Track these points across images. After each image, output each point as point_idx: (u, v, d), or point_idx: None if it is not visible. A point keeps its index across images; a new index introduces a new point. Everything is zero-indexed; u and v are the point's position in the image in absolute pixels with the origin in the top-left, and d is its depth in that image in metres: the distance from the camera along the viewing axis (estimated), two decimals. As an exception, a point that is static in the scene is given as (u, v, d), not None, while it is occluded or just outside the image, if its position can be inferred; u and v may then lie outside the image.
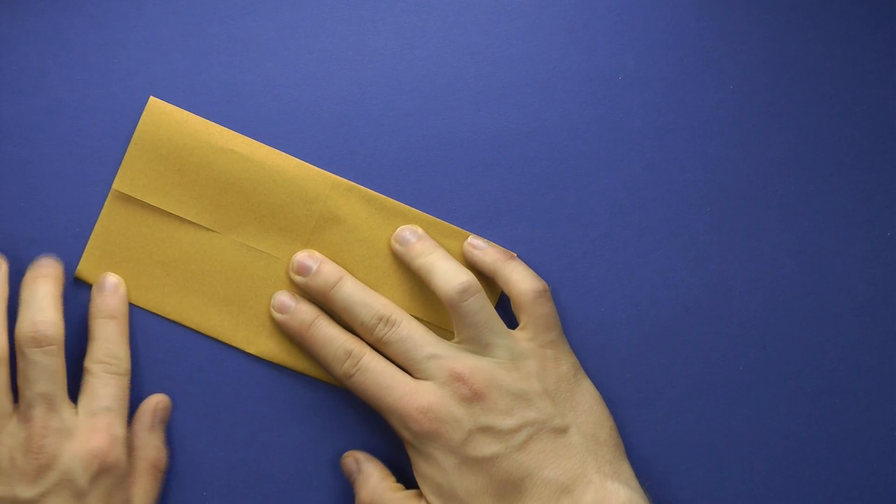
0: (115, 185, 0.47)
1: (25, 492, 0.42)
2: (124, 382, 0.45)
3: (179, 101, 0.49)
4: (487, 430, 0.43)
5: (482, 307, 0.45)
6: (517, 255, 0.48)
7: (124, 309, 0.47)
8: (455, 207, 0.49)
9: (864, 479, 0.47)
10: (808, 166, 0.49)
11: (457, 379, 0.43)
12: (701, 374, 0.48)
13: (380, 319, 0.45)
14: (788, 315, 0.48)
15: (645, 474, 0.47)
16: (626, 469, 0.44)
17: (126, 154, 0.48)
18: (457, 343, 0.45)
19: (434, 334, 0.45)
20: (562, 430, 0.44)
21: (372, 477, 0.45)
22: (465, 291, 0.45)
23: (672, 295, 0.49)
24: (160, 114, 0.48)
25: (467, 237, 0.48)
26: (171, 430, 0.48)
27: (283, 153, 0.48)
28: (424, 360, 0.44)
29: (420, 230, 0.48)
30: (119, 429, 0.44)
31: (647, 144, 0.49)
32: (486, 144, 0.49)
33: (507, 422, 0.43)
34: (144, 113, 0.48)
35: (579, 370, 0.46)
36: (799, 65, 0.50)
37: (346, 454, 0.46)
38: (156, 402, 0.47)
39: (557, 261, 0.49)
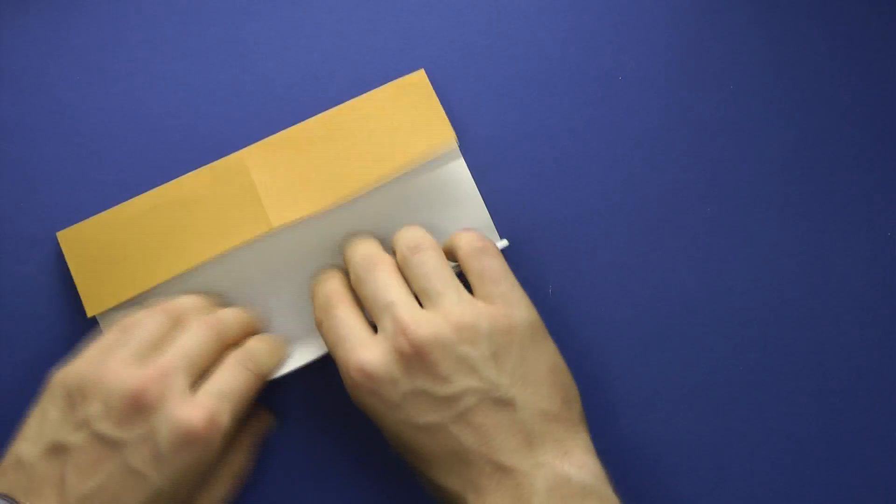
0: (89, 312, 0.46)
1: (102, 423, 0.41)
2: (254, 384, 0.44)
3: (179, 101, 0.49)
4: (424, 395, 0.41)
5: (431, 259, 0.44)
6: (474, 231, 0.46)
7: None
8: (455, 207, 0.49)
9: (864, 479, 0.47)
10: (808, 166, 0.49)
11: (401, 331, 0.41)
12: (701, 374, 0.48)
13: (364, 258, 0.44)
14: (788, 315, 0.48)
15: (645, 474, 0.47)
16: (580, 445, 0.41)
17: (77, 284, 0.47)
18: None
19: (405, 285, 0.44)
20: (507, 403, 0.40)
21: None
22: (415, 247, 0.44)
23: (672, 295, 0.49)
24: (74, 238, 0.47)
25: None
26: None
27: (188, 173, 0.47)
28: (383, 307, 0.43)
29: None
30: (223, 420, 0.41)
31: (647, 144, 0.49)
32: (486, 144, 0.49)
33: (444, 389, 0.40)
34: (62, 247, 0.47)
35: (537, 331, 0.43)
36: (799, 65, 0.50)
37: None
38: (258, 415, 0.46)
39: (557, 261, 0.49)
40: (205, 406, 0.41)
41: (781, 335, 0.48)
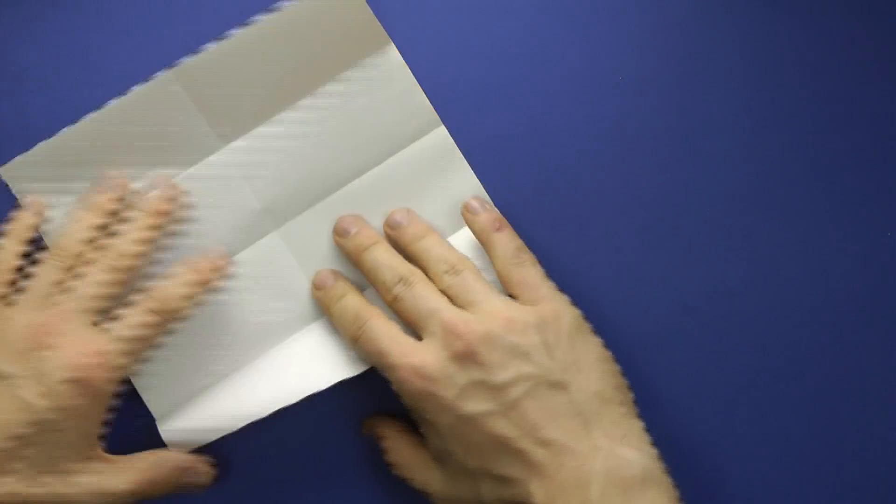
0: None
1: (6, 366, 0.41)
2: (160, 327, 0.44)
3: (179, 101, 0.49)
4: (480, 385, 0.41)
5: (470, 277, 0.44)
6: (504, 223, 0.47)
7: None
8: (455, 207, 0.49)
9: (865, 479, 0.47)
10: (808, 166, 0.49)
11: (451, 332, 0.42)
12: (701, 374, 0.48)
13: (399, 279, 0.45)
14: (788, 315, 0.48)
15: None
16: (636, 429, 0.42)
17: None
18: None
19: (442, 294, 0.45)
20: (562, 386, 0.41)
21: (396, 442, 0.46)
22: (452, 270, 0.45)
23: (672, 295, 0.49)
24: (19, 171, 0.47)
25: None
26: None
27: (121, 97, 0.47)
28: (426, 316, 0.43)
29: (409, 211, 0.47)
30: (117, 363, 0.42)
31: (647, 144, 0.49)
32: (486, 144, 0.49)
33: (500, 376, 0.41)
34: (8, 182, 0.47)
35: (582, 324, 0.44)
36: (799, 65, 0.50)
37: (366, 422, 0.47)
38: (190, 464, 0.45)
39: (558, 261, 0.49)
40: (101, 347, 0.42)
41: (781, 335, 0.48)
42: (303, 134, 0.48)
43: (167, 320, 0.44)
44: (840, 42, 0.50)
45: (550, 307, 0.44)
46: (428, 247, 0.46)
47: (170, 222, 0.46)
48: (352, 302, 0.46)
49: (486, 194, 0.48)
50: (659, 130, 0.49)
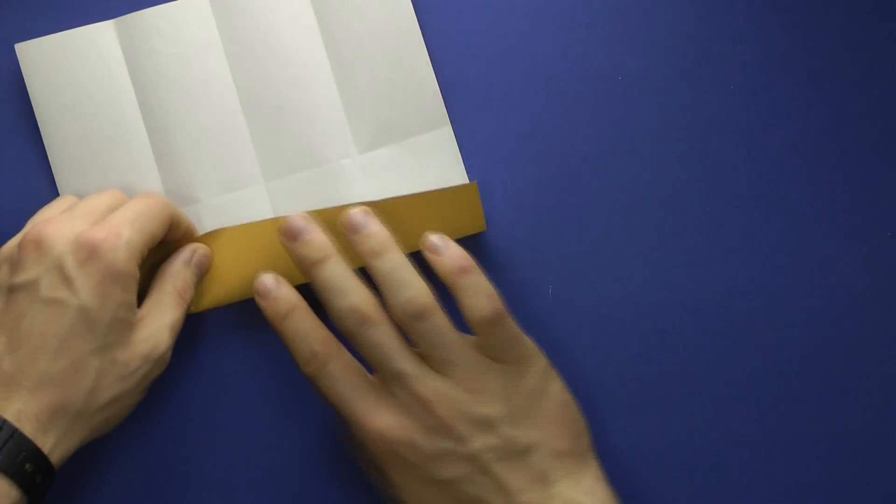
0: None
1: (13, 276, 0.41)
2: (164, 212, 0.44)
3: (179, 101, 0.49)
4: (450, 454, 0.41)
5: (436, 326, 0.42)
6: (473, 266, 0.43)
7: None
8: (455, 207, 0.49)
9: (865, 479, 0.47)
10: (808, 166, 0.49)
11: (421, 406, 0.41)
12: (701, 374, 0.48)
13: (360, 316, 0.42)
14: (788, 315, 0.48)
15: (645, 474, 0.47)
16: (590, 473, 0.43)
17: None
18: (419, 354, 0.43)
19: (405, 342, 0.42)
20: (522, 452, 0.42)
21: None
22: (418, 315, 0.42)
23: (672, 295, 0.49)
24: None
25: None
26: (169, 428, 0.47)
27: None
28: (393, 377, 0.42)
29: (366, 213, 0.44)
30: (128, 234, 0.42)
31: (647, 144, 0.49)
32: (486, 144, 0.49)
33: (469, 447, 0.41)
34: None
35: (547, 374, 0.43)
36: (799, 65, 0.50)
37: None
38: (195, 247, 0.46)
39: (557, 261, 0.49)
40: (104, 224, 0.42)
41: (781, 335, 0.48)
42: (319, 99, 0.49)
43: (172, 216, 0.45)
44: (840, 41, 0.50)
45: (517, 369, 0.43)
46: (391, 269, 0.42)
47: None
48: (307, 330, 0.43)
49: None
50: (659, 130, 0.49)
